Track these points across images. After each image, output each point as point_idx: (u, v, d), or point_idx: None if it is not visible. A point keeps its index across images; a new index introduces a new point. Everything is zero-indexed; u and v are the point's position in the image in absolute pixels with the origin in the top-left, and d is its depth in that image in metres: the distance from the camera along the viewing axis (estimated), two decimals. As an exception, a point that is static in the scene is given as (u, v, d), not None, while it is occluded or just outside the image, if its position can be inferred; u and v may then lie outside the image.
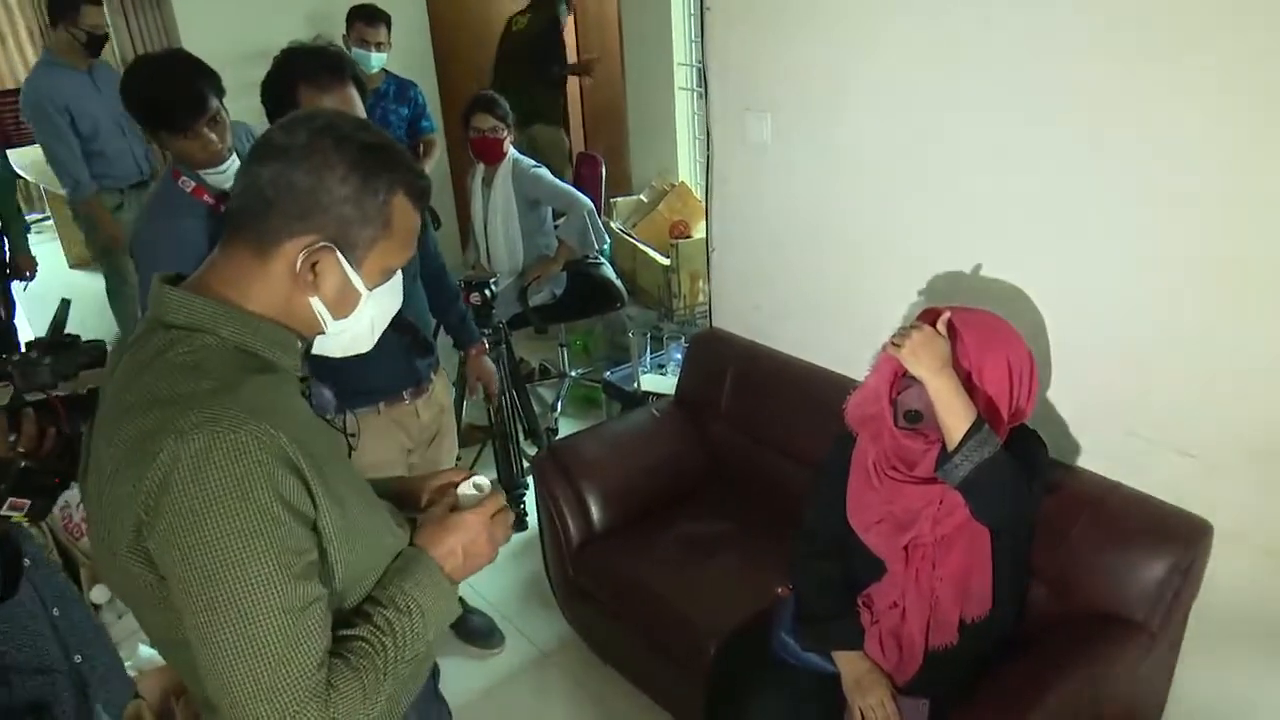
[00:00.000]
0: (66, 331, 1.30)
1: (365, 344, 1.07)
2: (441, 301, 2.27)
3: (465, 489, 1.12)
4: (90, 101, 3.55)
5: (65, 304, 1.41)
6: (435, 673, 1.28)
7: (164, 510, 0.86)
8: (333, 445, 1.02)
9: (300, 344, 1.02)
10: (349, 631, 0.96)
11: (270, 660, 0.87)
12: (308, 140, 0.94)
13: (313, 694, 0.88)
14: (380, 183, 0.96)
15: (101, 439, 0.94)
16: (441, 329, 2.39)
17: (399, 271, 1.05)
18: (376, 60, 3.76)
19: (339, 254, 0.96)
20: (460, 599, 1.09)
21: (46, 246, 5.79)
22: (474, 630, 2.54)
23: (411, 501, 1.18)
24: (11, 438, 1.13)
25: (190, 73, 1.81)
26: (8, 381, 1.19)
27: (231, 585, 0.86)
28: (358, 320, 1.02)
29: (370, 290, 1.01)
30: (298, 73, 1.72)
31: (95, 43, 3.56)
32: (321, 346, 1.05)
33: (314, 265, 0.95)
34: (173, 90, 1.79)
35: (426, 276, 2.14)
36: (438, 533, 1.07)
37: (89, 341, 1.28)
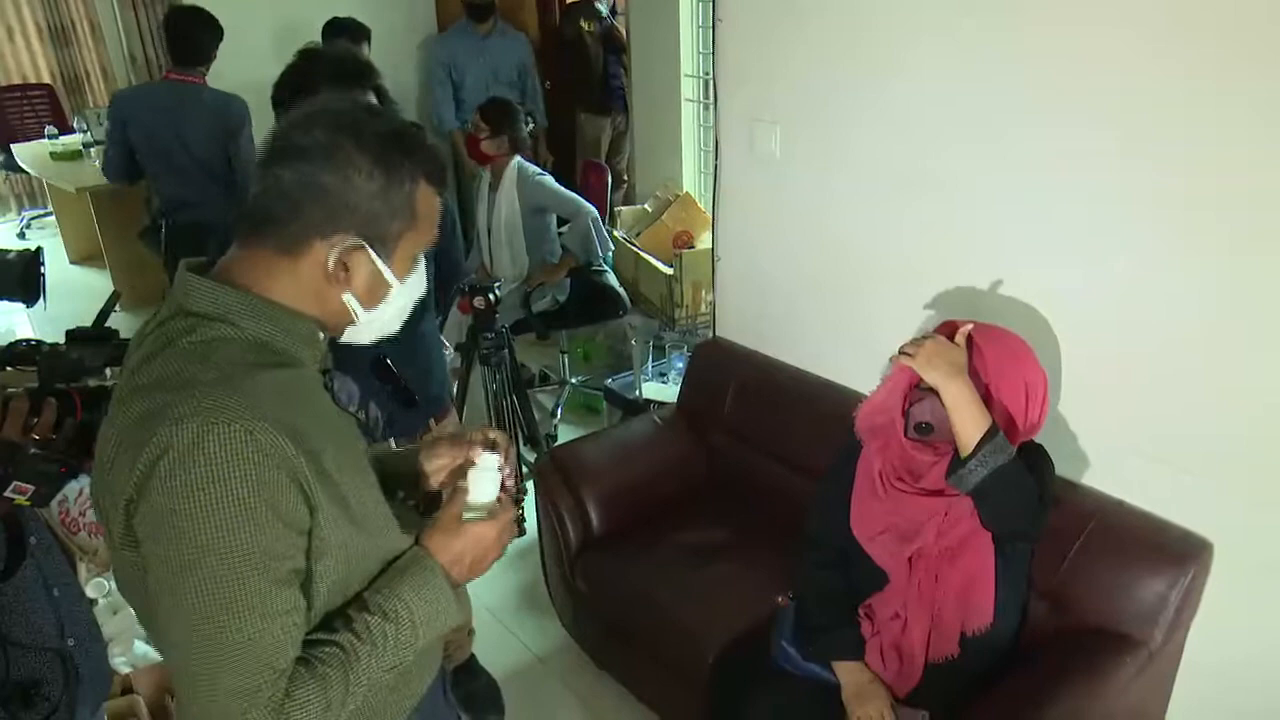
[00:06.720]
0: (106, 325, 1.31)
1: (392, 328, 1.07)
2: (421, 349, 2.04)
3: (478, 494, 1.07)
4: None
5: (115, 296, 1.42)
6: (445, 679, 1.26)
7: (149, 493, 0.85)
8: (348, 443, 1.01)
9: (323, 336, 1.01)
10: (325, 635, 0.92)
11: (230, 660, 0.85)
12: (327, 138, 0.92)
13: (268, 702, 0.86)
14: (404, 173, 0.95)
15: (109, 421, 0.93)
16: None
17: (422, 257, 1.04)
18: None
19: (370, 250, 0.95)
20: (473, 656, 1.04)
21: (47, 242, 5.78)
22: (473, 695, 2.30)
23: (417, 480, 1.18)
24: (33, 421, 1.15)
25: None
26: (35, 368, 1.21)
27: (202, 577, 0.84)
28: (386, 309, 1.02)
29: (401, 281, 1.00)
30: (321, 73, 1.71)
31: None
32: (352, 336, 1.04)
33: (345, 263, 0.94)
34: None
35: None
36: (448, 540, 1.04)
37: (124, 339, 1.29)
